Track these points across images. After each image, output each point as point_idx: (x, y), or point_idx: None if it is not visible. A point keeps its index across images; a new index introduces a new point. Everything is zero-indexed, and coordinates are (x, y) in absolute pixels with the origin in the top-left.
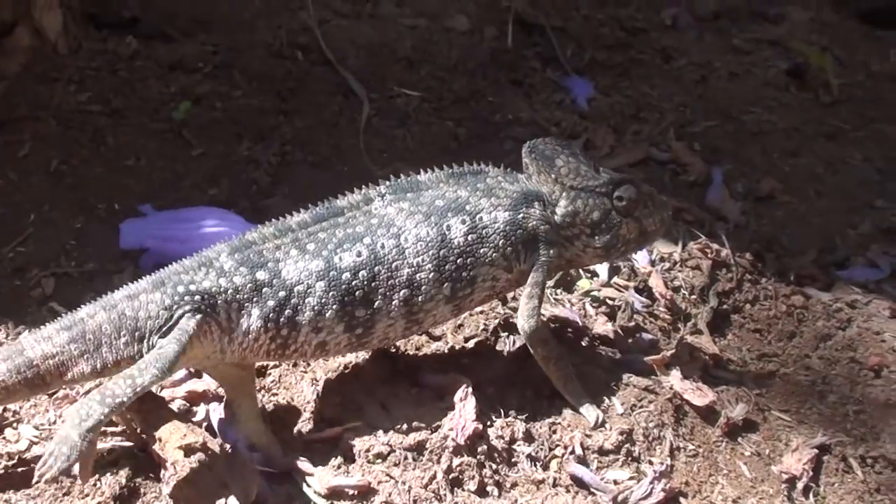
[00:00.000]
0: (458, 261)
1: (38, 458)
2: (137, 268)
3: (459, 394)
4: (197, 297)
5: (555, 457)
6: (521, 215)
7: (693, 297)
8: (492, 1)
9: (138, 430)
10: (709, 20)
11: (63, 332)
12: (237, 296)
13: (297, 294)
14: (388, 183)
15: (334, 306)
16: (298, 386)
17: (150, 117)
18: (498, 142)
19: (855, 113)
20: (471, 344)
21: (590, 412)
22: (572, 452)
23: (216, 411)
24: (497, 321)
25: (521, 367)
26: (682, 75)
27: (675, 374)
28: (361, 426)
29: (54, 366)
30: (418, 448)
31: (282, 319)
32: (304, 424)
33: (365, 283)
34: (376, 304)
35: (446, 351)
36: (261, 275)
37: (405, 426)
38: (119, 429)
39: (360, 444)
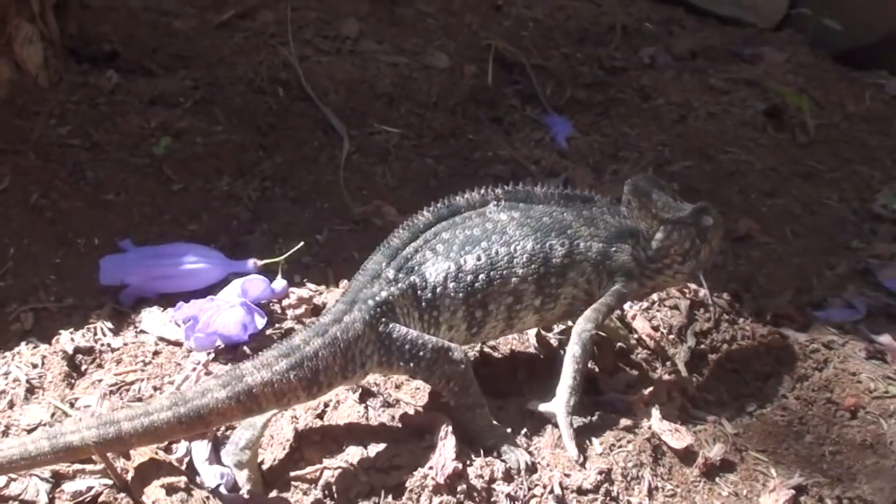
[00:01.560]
0: (553, 279)
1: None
2: (117, 303)
3: (439, 433)
4: (385, 307)
5: (534, 496)
6: (614, 248)
7: (671, 336)
8: (472, 38)
9: (119, 469)
10: (687, 60)
11: (283, 360)
12: (404, 300)
13: (438, 295)
14: (506, 188)
15: (462, 306)
16: (278, 424)
17: (130, 152)
18: (477, 179)
19: (831, 153)
20: None
21: (571, 446)
22: (551, 492)
23: (198, 450)
24: (475, 360)
25: (501, 406)
26: (660, 115)
27: (654, 413)
28: (341, 465)
29: (272, 392)
30: (398, 487)
31: (431, 320)
32: (284, 463)
33: (484, 285)
34: (490, 307)
35: (427, 389)
36: (414, 279)
37: (385, 465)
38: (99, 467)
39: (340, 482)
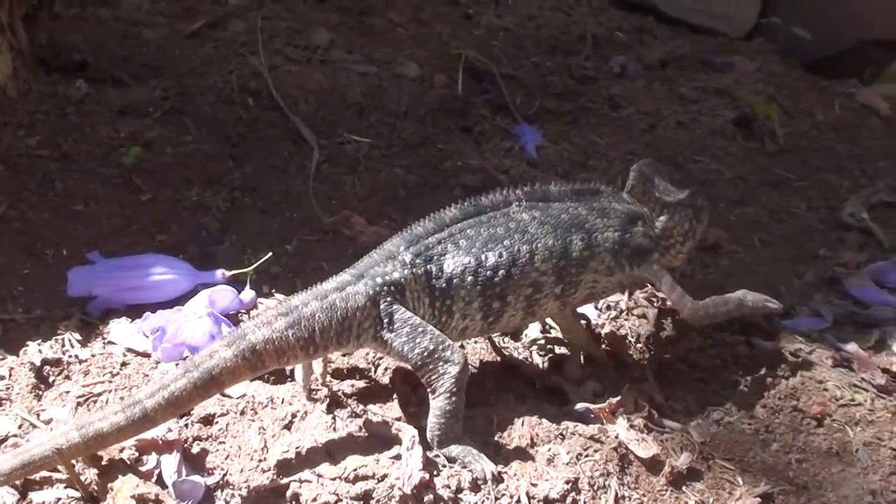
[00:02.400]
0: (573, 270)
1: None
2: (85, 314)
3: (406, 443)
4: (392, 288)
5: None
6: (627, 234)
7: (639, 345)
8: (442, 48)
9: (85, 480)
10: (657, 69)
11: (281, 318)
12: (416, 285)
13: (454, 286)
14: (525, 189)
15: (479, 298)
16: (245, 434)
17: (99, 162)
18: (447, 189)
19: (800, 162)
20: (418, 392)
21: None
22: (518, 501)
23: (167, 462)
24: None
25: (468, 416)
26: (630, 124)
27: (621, 422)
28: (308, 475)
29: (273, 350)
30: (365, 497)
31: (443, 308)
32: (251, 473)
33: (502, 280)
34: (508, 298)
35: (394, 399)
36: (431, 267)
37: (352, 475)
38: (64, 476)
39: (307, 492)
